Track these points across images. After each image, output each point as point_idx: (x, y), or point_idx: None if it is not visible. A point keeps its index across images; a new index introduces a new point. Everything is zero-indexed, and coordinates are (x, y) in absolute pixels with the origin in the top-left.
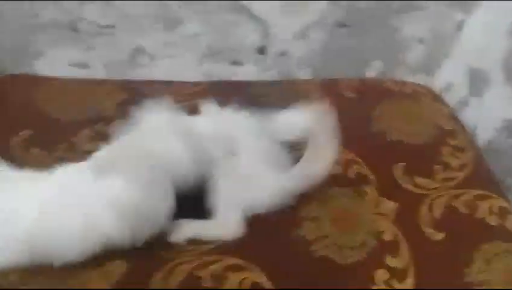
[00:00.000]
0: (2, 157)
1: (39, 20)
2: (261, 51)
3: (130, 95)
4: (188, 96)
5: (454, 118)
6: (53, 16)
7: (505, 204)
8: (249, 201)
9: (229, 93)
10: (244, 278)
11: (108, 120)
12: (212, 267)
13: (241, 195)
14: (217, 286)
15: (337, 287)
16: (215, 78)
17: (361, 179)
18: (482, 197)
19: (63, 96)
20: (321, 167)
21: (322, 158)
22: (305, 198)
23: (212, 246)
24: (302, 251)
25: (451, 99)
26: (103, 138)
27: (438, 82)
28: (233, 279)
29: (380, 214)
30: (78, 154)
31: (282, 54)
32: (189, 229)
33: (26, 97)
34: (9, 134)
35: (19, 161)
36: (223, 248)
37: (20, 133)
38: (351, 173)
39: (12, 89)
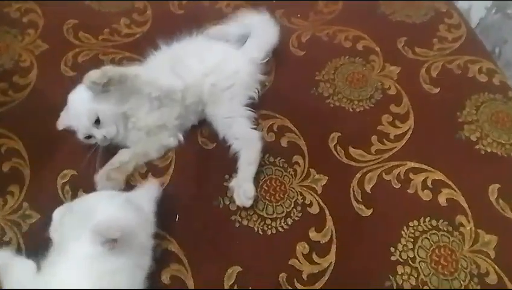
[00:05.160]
0: (59, 39)
1: None
2: None
3: None
4: None
5: (449, 2)
6: None
7: (492, 66)
8: None
9: None
10: (272, 124)
11: (141, 11)
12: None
13: None
14: None
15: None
16: None
17: (369, 51)
18: (473, 62)
19: None
20: None
21: None
22: (320, 66)
23: None
24: (320, 104)
25: None
26: (138, 24)
27: None
28: (264, 125)
29: (384, 76)
30: (120, 37)
31: None
32: None
33: None
34: (60, 23)
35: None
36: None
37: (68, 21)
38: (359, 46)
39: None
